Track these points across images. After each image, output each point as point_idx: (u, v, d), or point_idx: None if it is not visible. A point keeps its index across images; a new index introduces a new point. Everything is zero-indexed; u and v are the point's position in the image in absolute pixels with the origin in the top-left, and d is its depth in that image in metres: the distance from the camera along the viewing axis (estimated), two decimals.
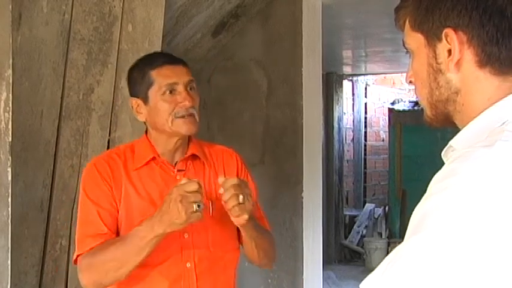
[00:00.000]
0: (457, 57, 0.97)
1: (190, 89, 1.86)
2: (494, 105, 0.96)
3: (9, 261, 2.07)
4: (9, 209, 2.07)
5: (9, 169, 2.07)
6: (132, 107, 1.91)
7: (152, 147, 1.89)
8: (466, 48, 0.97)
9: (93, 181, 1.84)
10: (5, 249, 2.06)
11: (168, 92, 1.83)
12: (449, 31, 0.97)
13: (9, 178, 2.07)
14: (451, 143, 1.00)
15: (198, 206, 1.65)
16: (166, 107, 1.82)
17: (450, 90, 1.00)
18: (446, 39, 0.98)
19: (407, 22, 1.04)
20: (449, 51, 0.98)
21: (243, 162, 2.01)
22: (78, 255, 1.82)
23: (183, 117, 1.82)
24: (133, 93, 1.91)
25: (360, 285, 0.89)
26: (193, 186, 1.65)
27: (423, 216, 0.87)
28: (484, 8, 0.95)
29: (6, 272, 2.07)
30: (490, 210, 0.84)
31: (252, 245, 1.89)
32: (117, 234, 1.83)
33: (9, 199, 2.07)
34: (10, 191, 2.07)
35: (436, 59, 1.00)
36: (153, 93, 1.84)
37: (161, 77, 1.84)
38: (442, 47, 0.99)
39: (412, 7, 1.03)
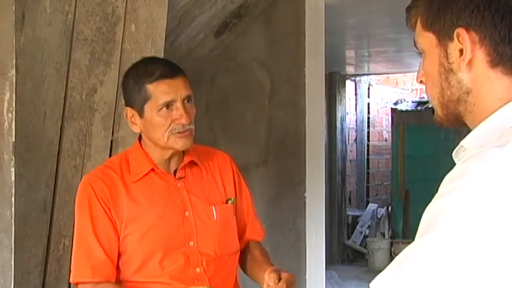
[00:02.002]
0: (469, 57, 0.97)
1: (188, 101, 1.81)
2: (507, 105, 0.96)
3: (12, 261, 2.07)
4: (13, 209, 2.07)
5: (13, 169, 2.06)
6: (127, 115, 1.85)
7: (148, 157, 1.84)
8: (477, 48, 0.97)
9: (89, 203, 1.79)
10: (8, 249, 2.06)
11: (165, 108, 1.77)
12: (461, 31, 0.97)
13: (13, 178, 2.06)
14: (462, 143, 1.00)
15: None
16: (163, 123, 1.77)
17: (461, 90, 1.00)
18: (458, 39, 0.98)
19: (418, 22, 1.04)
20: (461, 51, 0.98)
21: (237, 166, 2.00)
22: (75, 282, 1.82)
23: (179, 133, 1.78)
24: (128, 103, 1.84)
25: (370, 285, 0.89)
26: None
27: (434, 216, 0.87)
28: (497, 8, 0.95)
29: (10, 272, 2.07)
30: (502, 210, 0.84)
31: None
32: (119, 255, 1.80)
33: (13, 199, 2.07)
34: (13, 191, 2.07)
35: (447, 58, 1.00)
36: (149, 108, 1.78)
37: (159, 93, 1.77)
38: (453, 47, 0.99)
39: (424, 7, 1.03)
